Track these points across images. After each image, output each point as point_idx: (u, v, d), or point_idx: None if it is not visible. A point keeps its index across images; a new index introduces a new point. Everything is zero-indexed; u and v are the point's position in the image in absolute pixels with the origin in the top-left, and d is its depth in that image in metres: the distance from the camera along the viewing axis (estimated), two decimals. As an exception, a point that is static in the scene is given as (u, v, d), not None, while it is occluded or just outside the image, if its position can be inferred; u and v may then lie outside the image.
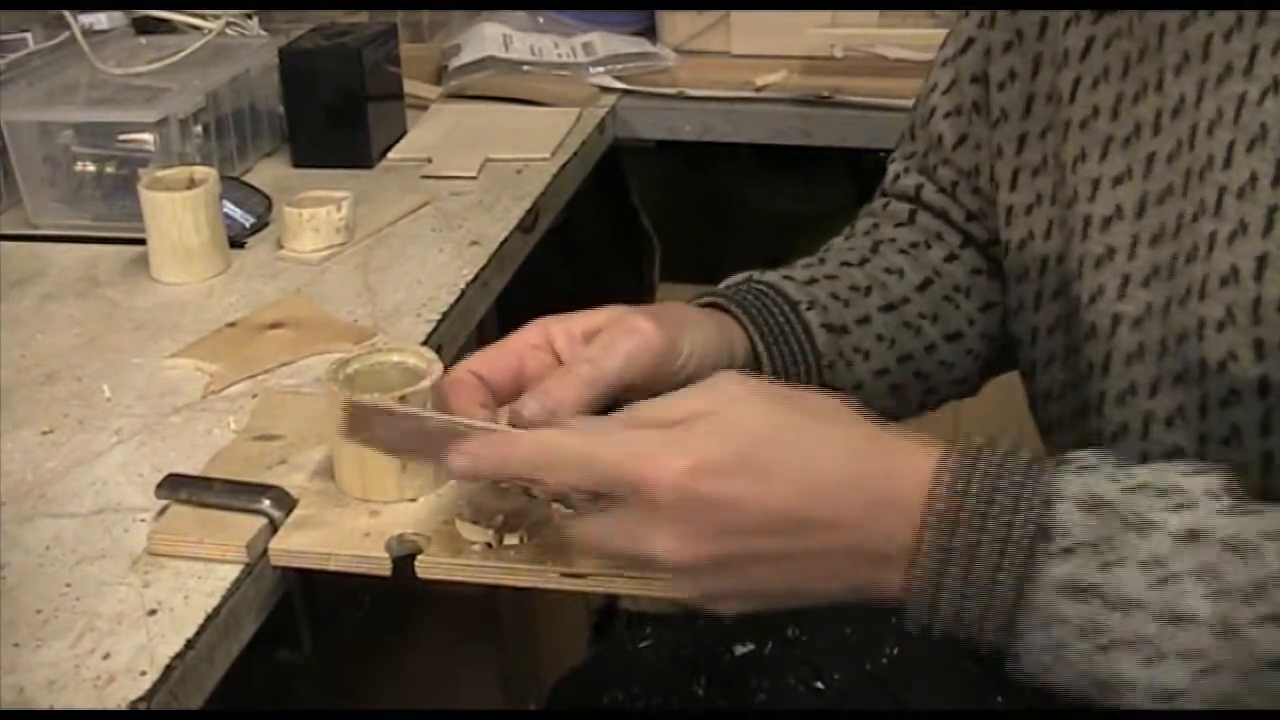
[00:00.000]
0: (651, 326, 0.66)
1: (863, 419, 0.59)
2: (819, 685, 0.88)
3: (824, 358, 0.76)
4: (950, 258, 0.84)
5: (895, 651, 0.87)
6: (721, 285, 0.79)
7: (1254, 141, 0.60)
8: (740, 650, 0.91)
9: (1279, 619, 0.52)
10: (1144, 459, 0.67)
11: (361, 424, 0.66)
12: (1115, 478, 0.56)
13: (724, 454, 0.56)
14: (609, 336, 0.66)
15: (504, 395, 0.67)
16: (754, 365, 0.74)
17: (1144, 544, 0.54)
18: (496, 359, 0.68)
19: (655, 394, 0.65)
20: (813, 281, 0.79)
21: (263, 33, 1.42)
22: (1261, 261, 0.59)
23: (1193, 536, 0.53)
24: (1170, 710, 0.54)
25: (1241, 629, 0.52)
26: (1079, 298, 0.70)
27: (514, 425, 0.64)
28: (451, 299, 1.01)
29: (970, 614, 0.56)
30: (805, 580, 0.58)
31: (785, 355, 0.75)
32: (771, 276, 0.79)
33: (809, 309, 0.77)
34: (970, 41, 0.81)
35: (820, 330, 0.76)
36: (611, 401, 0.65)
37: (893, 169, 0.88)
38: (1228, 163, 0.61)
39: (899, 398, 0.82)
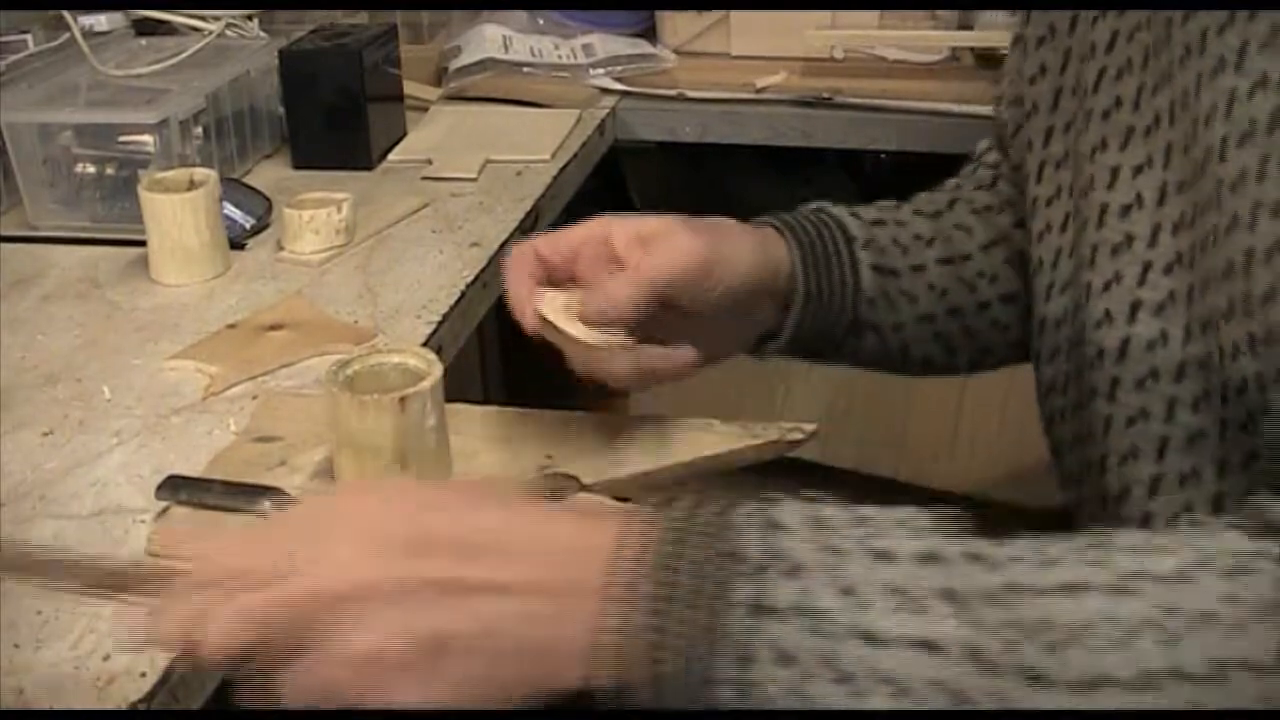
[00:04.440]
0: (698, 244, 0.73)
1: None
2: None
3: (865, 293, 0.81)
4: (1019, 224, 0.86)
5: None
6: (793, 212, 0.84)
7: (1244, 136, 0.61)
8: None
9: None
10: (1163, 442, 0.67)
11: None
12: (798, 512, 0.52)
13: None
14: (661, 248, 0.73)
15: (557, 274, 0.75)
16: (792, 284, 0.79)
17: (844, 569, 0.50)
18: (557, 240, 0.76)
19: (690, 301, 0.73)
20: (879, 223, 0.84)
21: (262, 34, 1.42)
22: (1249, 255, 0.60)
23: (887, 557, 0.50)
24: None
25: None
26: (1089, 285, 0.70)
27: (582, 320, 0.71)
28: (452, 300, 1.01)
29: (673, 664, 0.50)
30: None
31: (824, 282, 0.80)
32: (839, 210, 0.84)
33: (864, 247, 0.81)
34: (1019, 38, 0.84)
35: (868, 269, 0.81)
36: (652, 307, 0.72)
37: (982, 144, 0.93)
38: (1223, 156, 0.62)
39: (945, 348, 0.85)
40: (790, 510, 0.52)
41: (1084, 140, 0.73)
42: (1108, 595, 0.49)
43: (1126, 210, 0.69)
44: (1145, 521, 0.69)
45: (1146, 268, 0.68)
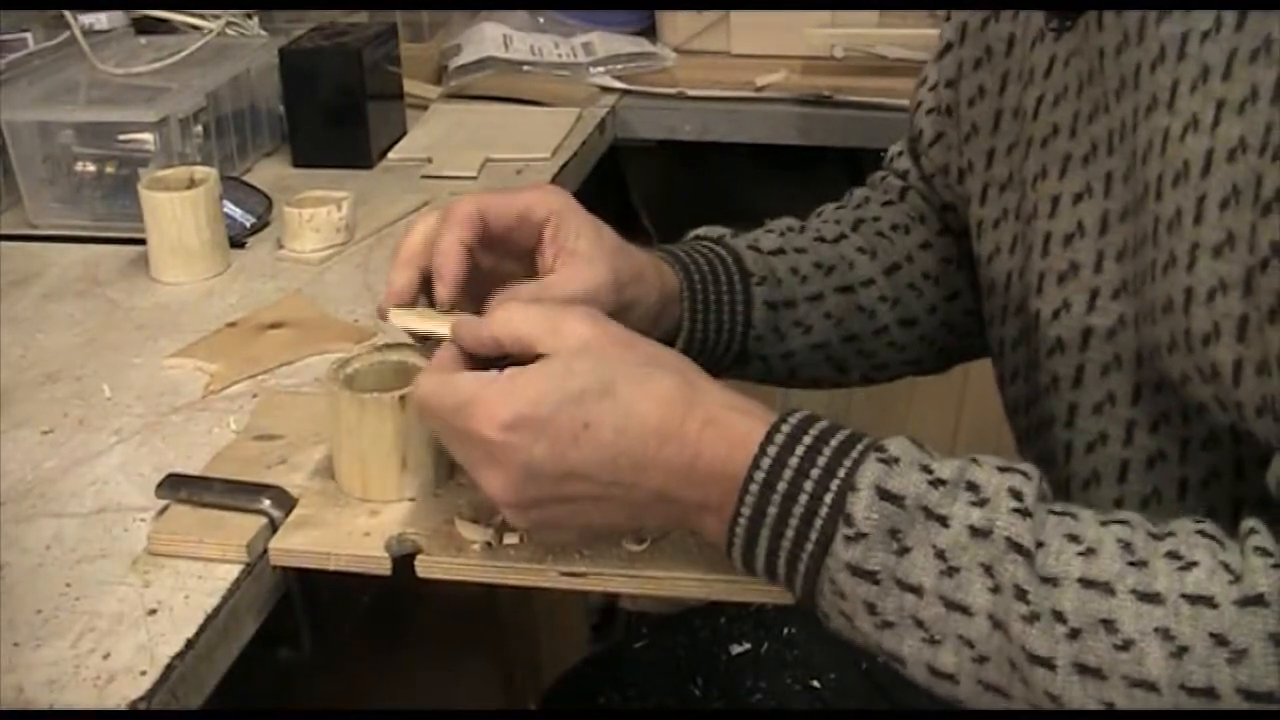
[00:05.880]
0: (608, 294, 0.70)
1: (697, 375, 0.62)
2: (815, 684, 0.88)
3: (755, 329, 0.80)
4: (925, 245, 0.86)
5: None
6: (694, 235, 0.83)
7: (1178, 177, 0.60)
8: (736, 650, 0.92)
9: (1041, 617, 0.54)
10: (1124, 465, 0.67)
11: None
12: (921, 466, 0.58)
13: (541, 409, 0.59)
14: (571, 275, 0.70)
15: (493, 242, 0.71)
16: (679, 320, 0.77)
17: (935, 535, 0.56)
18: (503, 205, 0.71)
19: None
20: (779, 252, 0.82)
21: (263, 32, 1.43)
22: (1188, 295, 0.59)
23: (980, 533, 0.56)
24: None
25: (1010, 624, 0.54)
26: (1038, 313, 0.70)
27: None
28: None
29: (780, 575, 0.60)
30: (622, 519, 0.63)
31: (712, 320, 0.78)
32: (738, 242, 0.82)
33: (760, 284, 0.80)
34: (949, 46, 0.83)
35: (762, 306, 0.80)
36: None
37: (894, 148, 0.92)
38: (1159, 195, 0.61)
39: (837, 368, 0.85)
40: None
41: (1026, 167, 0.72)
42: (1134, 599, 0.53)
43: (1069, 239, 0.69)
44: None
45: (1094, 294, 0.67)
